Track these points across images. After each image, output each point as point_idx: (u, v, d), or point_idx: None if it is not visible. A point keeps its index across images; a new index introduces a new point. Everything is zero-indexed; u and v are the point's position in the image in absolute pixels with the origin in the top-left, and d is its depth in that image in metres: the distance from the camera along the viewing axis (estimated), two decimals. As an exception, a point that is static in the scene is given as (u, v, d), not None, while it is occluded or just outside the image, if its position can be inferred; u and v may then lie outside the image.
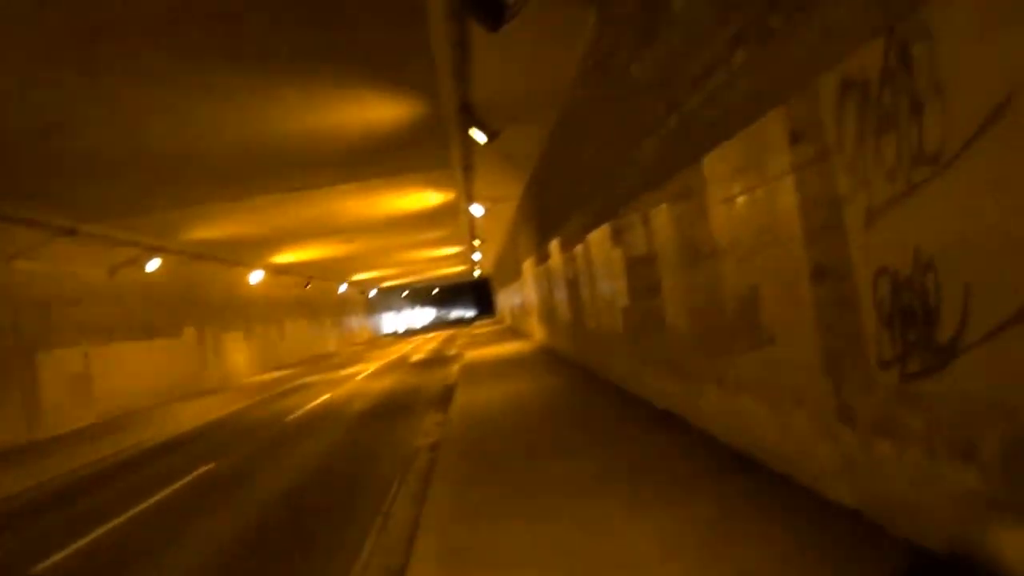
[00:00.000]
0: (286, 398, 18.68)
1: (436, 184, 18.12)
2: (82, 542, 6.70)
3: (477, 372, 16.06)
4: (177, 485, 8.74)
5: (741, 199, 4.61)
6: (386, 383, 19.01)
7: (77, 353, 17.69)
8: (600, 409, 8.81)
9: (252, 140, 11.95)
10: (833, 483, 3.81)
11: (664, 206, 6.44)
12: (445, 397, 12.86)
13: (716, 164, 4.93)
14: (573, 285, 13.02)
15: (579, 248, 11.57)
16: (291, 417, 14.24)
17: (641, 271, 7.70)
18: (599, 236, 9.75)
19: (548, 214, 14.82)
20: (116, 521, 7.31)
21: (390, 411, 13.14)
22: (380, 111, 11.32)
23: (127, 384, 19.79)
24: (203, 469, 9.59)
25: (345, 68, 9.32)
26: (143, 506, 7.86)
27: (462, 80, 9.61)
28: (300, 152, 13.11)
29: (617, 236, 8.65)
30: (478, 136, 11.07)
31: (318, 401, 16.53)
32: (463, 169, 15.49)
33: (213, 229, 19.74)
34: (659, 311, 7.15)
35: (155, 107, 9.82)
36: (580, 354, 13.62)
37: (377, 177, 16.35)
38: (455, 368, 18.73)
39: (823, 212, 3.47)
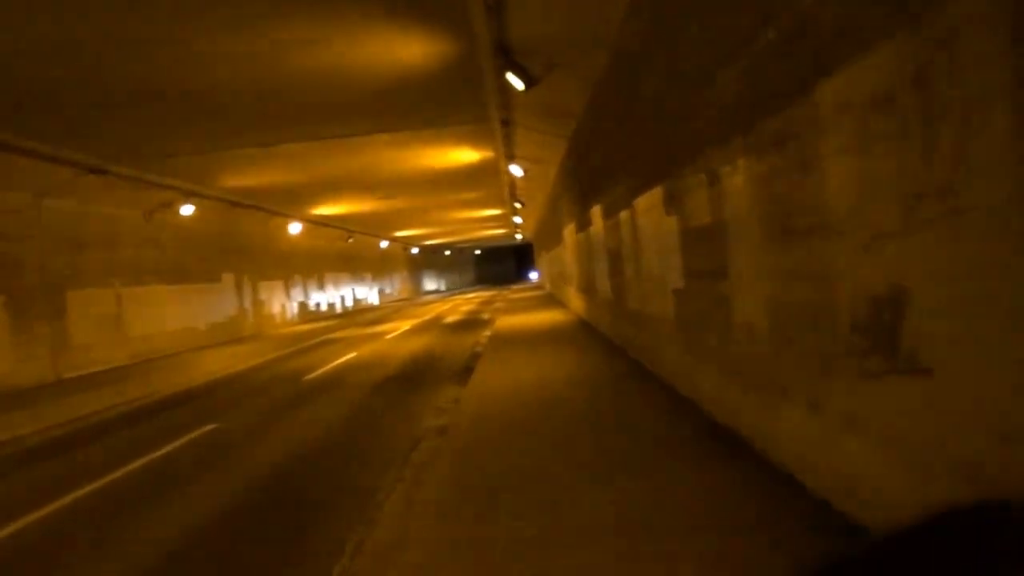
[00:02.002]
0: (312, 353, 18.58)
1: (474, 141, 17.01)
2: (46, 510, 6.26)
3: (506, 343, 15.04)
4: (170, 447, 8.48)
5: (882, 147, 2.95)
6: (414, 345, 18.41)
7: (109, 293, 17.68)
8: (640, 413, 7.04)
9: (273, 79, 10.70)
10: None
11: (742, 161, 4.77)
12: (469, 368, 11.96)
13: (842, 92, 3.25)
14: (616, 257, 11.35)
15: (624, 215, 9.88)
16: (310, 376, 14.03)
17: (702, 247, 6.05)
18: (648, 201, 8.07)
19: (592, 175, 13.10)
20: (95, 484, 7.01)
21: (409, 379, 12.45)
22: (409, 49, 9.86)
23: (160, 327, 19.98)
24: (205, 429, 9.43)
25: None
26: (127, 469, 7.58)
27: (496, 14, 8.17)
28: (327, 95, 11.86)
29: (672, 201, 6.98)
30: (515, 82, 9.63)
31: (342, 360, 16.23)
32: (501, 124, 14.23)
33: (247, 177, 19.14)
34: (725, 300, 5.51)
35: (162, 39, 8.56)
36: (620, 335, 11.97)
37: (412, 129, 15.23)
38: (485, 335, 17.84)
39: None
